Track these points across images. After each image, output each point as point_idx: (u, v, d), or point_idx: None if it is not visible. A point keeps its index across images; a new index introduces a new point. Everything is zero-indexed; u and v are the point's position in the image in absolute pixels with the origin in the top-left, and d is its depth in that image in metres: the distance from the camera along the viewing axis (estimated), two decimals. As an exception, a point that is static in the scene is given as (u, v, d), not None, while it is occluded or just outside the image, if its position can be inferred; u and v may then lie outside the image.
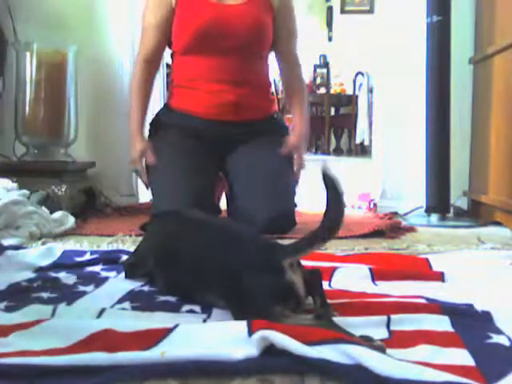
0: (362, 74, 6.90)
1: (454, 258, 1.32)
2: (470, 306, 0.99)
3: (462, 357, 0.77)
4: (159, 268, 1.12)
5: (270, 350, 0.73)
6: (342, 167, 5.39)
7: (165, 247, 1.11)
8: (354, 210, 2.44)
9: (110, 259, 1.33)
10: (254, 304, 0.88)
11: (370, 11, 6.79)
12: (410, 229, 1.91)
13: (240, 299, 0.90)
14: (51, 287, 1.12)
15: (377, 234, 1.78)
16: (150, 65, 1.93)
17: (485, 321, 0.91)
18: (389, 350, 0.80)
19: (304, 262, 1.00)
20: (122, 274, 1.21)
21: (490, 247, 1.55)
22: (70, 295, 1.07)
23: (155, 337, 0.80)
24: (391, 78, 2.37)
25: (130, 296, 1.06)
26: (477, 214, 2.14)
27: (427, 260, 1.30)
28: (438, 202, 2.14)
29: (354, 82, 6.93)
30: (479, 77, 2.15)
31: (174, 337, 0.80)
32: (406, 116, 2.31)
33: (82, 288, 1.12)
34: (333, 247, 1.54)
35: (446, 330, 0.87)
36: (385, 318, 0.90)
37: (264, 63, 1.96)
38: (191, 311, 0.98)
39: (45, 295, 1.07)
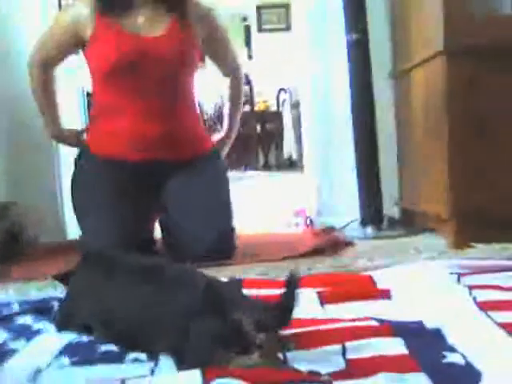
0: (285, 91, 7.01)
1: (397, 273, 1.32)
2: (420, 323, 0.99)
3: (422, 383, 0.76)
4: (95, 319, 1.04)
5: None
6: (275, 183, 5.44)
7: (101, 296, 1.04)
8: (292, 229, 2.43)
9: (41, 308, 1.24)
10: (194, 350, 0.83)
11: (287, 29, 6.92)
12: (349, 243, 1.92)
13: (182, 347, 0.85)
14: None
15: (317, 251, 1.78)
16: (50, 69, 1.88)
17: (437, 338, 0.91)
18: (348, 382, 0.78)
19: (247, 292, 0.97)
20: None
21: (427, 257, 1.58)
22: None
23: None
24: (316, 93, 2.39)
25: (68, 350, 0.98)
26: (409, 222, 2.19)
27: (371, 277, 1.29)
28: (372, 213, 2.17)
29: (278, 98, 7.03)
30: (399, 90, 2.21)
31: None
32: (333, 131, 2.34)
33: (12, 345, 1.03)
34: (277, 270, 1.52)
35: (402, 353, 0.86)
36: (339, 347, 0.88)
37: (190, 91, 1.92)
38: (136, 360, 0.92)
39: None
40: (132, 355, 0.93)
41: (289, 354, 0.86)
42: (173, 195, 1.83)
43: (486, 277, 1.26)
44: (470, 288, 1.17)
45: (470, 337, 0.91)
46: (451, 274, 1.30)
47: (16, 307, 1.26)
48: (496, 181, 1.74)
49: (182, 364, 0.83)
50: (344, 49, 2.14)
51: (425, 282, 1.24)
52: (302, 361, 0.85)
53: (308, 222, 2.38)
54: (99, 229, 1.74)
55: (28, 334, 1.08)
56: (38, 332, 1.09)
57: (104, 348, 0.97)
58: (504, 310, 1.04)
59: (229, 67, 2.01)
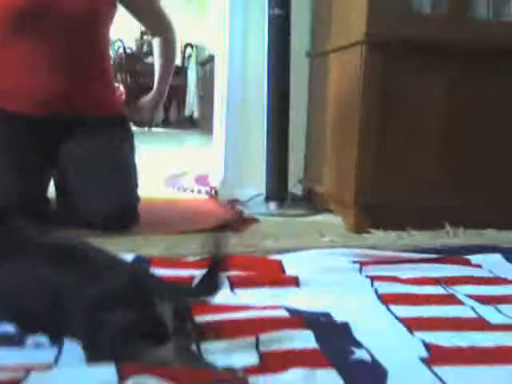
0: (192, 46, 6.85)
1: (304, 259, 1.35)
2: (328, 315, 1.03)
3: (332, 380, 0.79)
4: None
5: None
6: (175, 142, 5.33)
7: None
8: (195, 195, 2.41)
9: None
10: (106, 341, 0.80)
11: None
12: (253, 220, 1.94)
13: (94, 337, 0.81)
14: None
15: (222, 226, 1.78)
16: None
17: (344, 333, 0.95)
18: (260, 377, 0.79)
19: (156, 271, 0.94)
20: None
21: (330, 240, 1.65)
22: None
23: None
24: (232, 56, 2.34)
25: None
26: (311, 202, 2.25)
27: (280, 262, 1.32)
28: (277, 190, 2.20)
29: (184, 53, 6.85)
30: (316, 71, 2.23)
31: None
32: (248, 102, 2.31)
33: None
34: (183, 246, 1.51)
35: (313, 348, 0.89)
36: (253, 339, 0.89)
37: (102, 46, 1.81)
38: (37, 345, 0.87)
39: None
40: (33, 339, 0.88)
41: (203, 346, 0.86)
42: (71, 155, 1.74)
43: (385, 268, 1.34)
44: (372, 279, 1.24)
45: (374, 332, 0.96)
46: (354, 262, 1.36)
47: None
48: (402, 171, 1.82)
49: (92, 355, 0.79)
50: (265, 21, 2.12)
51: (330, 271, 1.28)
52: (216, 353, 0.85)
53: (212, 192, 2.37)
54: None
55: None
56: None
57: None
58: (402, 303, 1.11)
59: (157, 27, 1.94)
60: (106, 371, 0.71)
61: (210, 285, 0.86)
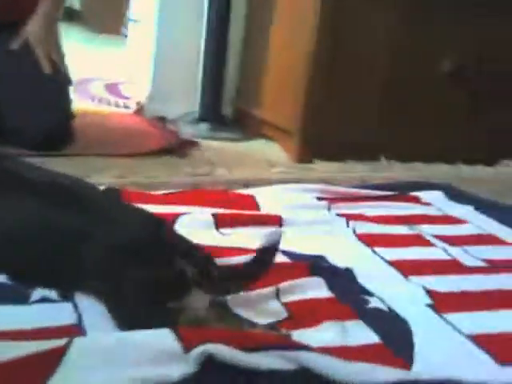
0: None
1: (274, 195, 1.33)
2: (323, 258, 1.04)
3: (364, 333, 0.81)
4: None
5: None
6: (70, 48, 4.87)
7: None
8: (120, 110, 2.23)
9: None
10: (133, 300, 0.74)
11: None
12: (192, 143, 1.85)
13: (118, 295, 0.75)
14: None
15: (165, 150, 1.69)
16: None
17: (351, 279, 0.97)
18: (294, 333, 0.79)
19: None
20: None
21: (281, 171, 1.64)
22: None
23: (44, 369, 0.61)
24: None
25: None
26: (242, 125, 2.19)
27: (253, 198, 1.29)
28: (211, 109, 2.12)
29: None
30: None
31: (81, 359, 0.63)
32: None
33: None
34: (125, 170, 1.42)
35: (329, 297, 0.89)
36: (273, 289, 0.88)
37: None
38: (45, 299, 0.78)
39: None
40: (37, 293, 0.79)
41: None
42: None
43: (351, 205, 1.36)
44: (345, 218, 1.26)
45: (374, 278, 0.98)
46: (318, 199, 1.37)
47: None
48: (348, 103, 1.83)
49: (121, 317, 0.73)
50: None
51: (303, 209, 1.28)
52: (240, 306, 0.83)
53: (138, 106, 2.21)
54: None
55: None
56: None
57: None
58: (383, 245, 1.14)
59: None
60: (165, 338, 0.65)
61: (250, 272, 0.82)
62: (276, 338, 0.72)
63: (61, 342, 0.64)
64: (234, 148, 1.91)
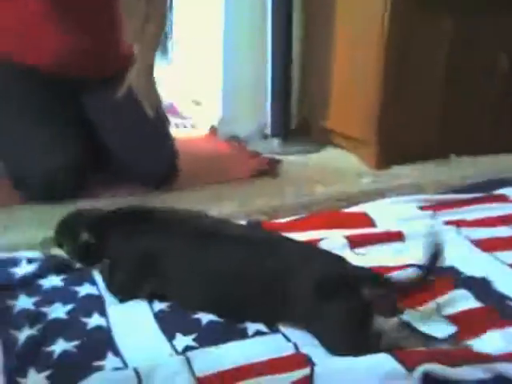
0: None
1: (383, 210, 1.47)
2: (454, 269, 1.16)
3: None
4: (178, 282, 0.99)
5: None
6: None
7: (186, 256, 0.98)
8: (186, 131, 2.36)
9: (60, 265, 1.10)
10: (346, 333, 0.88)
11: None
12: (276, 162, 1.96)
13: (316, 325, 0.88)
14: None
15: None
16: None
17: (490, 288, 1.10)
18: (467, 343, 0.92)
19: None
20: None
21: (372, 181, 1.78)
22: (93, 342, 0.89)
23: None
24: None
25: (178, 326, 0.93)
26: (308, 136, 2.30)
27: (366, 215, 1.42)
28: (281, 124, 2.23)
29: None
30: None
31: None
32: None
33: (90, 322, 0.94)
34: (249, 201, 1.55)
35: (480, 306, 1.03)
36: (434, 304, 1.02)
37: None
38: (258, 333, 0.92)
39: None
40: (253, 328, 0.93)
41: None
42: (100, 113, 1.67)
43: (451, 212, 1.49)
44: (456, 225, 1.38)
45: (507, 284, 1.12)
46: (420, 208, 1.50)
47: (25, 265, 1.10)
48: (413, 109, 1.96)
49: (340, 345, 0.87)
50: None
51: (414, 220, 1.41)
52: (413, 323, 0.97)
53: (211, 129, 2.33)
54: (37, 152, 1.52)
55: (91, 306, 0.99)
56: (100, 301, 1.00)
57: (206, 318, 0.95)
58: (499, 249, 1.27)
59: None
60: (387, 362, 0.80)
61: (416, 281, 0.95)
62: (472, 354, 0.86)
63: (307, 372, 0.79)
64: (315, 161, 2.02)
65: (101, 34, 1.65)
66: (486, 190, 1.65)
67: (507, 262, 1.21)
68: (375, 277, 0.95)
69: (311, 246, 1.05)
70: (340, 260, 0.97)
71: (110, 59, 1.69)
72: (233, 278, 0.94)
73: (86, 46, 1.60)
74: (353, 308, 0.88)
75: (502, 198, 1.60)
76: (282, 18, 2.13)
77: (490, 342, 0.93)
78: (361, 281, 0.92)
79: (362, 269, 0.97)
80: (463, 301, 1.04)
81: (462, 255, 1.23)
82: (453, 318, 0.99)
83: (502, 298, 1.06)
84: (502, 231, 1.37)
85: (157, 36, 1.75)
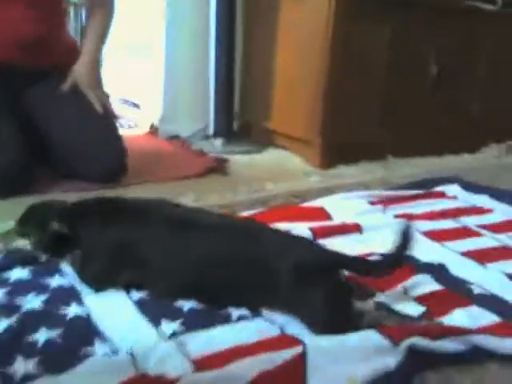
0: None
1: (336, 204, 1.52)
2: (413, 257, 1.23)
3: (486, 315, 1.01)
4: (157, 271, 0.98)
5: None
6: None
7: (165, 244, 0.97)
8: (129, 131, 2.32)
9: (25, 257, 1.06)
10: (335, 312, 0.90)
11: None
12: (223, 160, 1.99)
13: (316, 308, 0.90)
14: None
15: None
16: None
17: (447, 273, 1.17)
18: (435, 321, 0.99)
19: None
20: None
21: (319, 180, 1.83)
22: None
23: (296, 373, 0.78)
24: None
25: (161, 312, 0.92)
26: (249, 137, 2.34)
27: (323, 209, 1.47)
28: (224, 124, 2.25)
29: None
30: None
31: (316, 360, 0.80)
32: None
33: (69, 312, 0.90)
34: (194, 192, 1.55)
35: (442, 289, 1.09)
36: (401, 287, 1.07)
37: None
38: (241, 318, 0.93)
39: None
40: (236, 313, 0.94)
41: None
42: (42, 110, 1.63)
43: (399, 206, 1.57)
44: (406, 219, 1.45)
45: (460, 269, 1.20)
46: (370, 203, 1.57)
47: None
48: (355, 112, 2.05)
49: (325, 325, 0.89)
50: None
51: (366, 215, 1.48)
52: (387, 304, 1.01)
53: (152, 128, 2.31)
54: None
55: (67, 295, 0.96)
56: (75, 293, 0.97)
57: (187, 305, 0.94)
58: (447, 239, 1.36)
59: None
60: (373, 337, 0.83)
61: (391, 263, 1.00)
62: (450, 328, 0.91)
63: (298, 349, 0.81)
64: (260, 161, 2.06)
65: (44, 23, 1.60)
66: (426, 187, 1.76)
67: (457, 250, 1.30)
68: (354, 260, 0.99)
69: (290, 232, 1.07)
70: (318, 245, 1.00)
71: (53, 50, 1.64)
72: (215, 263, 0.94)
73: (29, 36, 1.55)
74: (334, 289, 0.91)
75: (441, 195, 1.71)
76: (225, 18, 2.17)
77: (458, 319, 0.99)
78: (341, 264, 0.95)
79: (340, 253, 1.01)
80: (427, 284, 1.10)
81: (417, 245, 1.30)
82: (421, 299, 1.05)
83: (459, 281, 1.14)
84: (446, 223, 1.47)
85: (103, 30, 1.73)
